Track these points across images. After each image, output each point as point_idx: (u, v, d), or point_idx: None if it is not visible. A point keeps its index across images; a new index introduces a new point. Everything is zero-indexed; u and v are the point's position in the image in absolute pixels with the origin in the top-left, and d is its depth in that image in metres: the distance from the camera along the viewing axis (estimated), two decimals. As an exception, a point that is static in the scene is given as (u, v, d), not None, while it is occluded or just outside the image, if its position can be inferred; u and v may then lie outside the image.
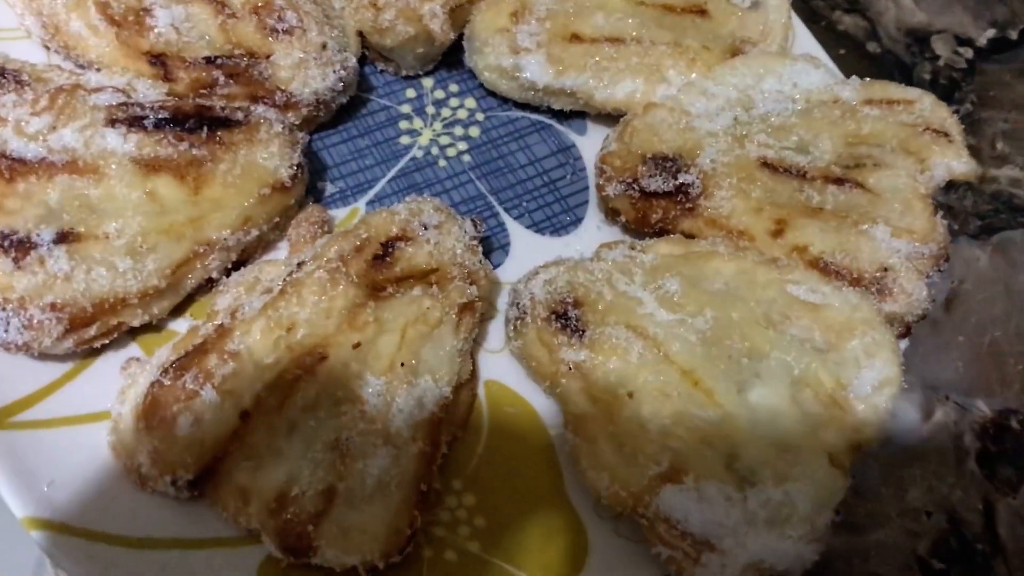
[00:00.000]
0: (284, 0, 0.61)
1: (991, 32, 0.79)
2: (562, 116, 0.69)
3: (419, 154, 0.67)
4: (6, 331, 0.51)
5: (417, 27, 0.65)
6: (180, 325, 0.58)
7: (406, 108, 0.68)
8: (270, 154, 0.58)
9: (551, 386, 0.55)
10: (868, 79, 0.64)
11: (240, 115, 0.58)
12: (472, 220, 0.60)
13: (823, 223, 0.58)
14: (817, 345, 0.54)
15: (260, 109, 0.59)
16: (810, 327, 0.54)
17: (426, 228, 0.57)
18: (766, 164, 0.60)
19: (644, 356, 0.53)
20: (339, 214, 0.64)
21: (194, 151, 0.56)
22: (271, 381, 0.51)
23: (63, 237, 0.53)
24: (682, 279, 0.56)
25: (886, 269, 0.57)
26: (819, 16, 0.78)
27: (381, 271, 0.55)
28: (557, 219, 0.65)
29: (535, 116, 0.69)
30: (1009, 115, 0.74)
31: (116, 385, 0.54)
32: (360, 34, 0.67)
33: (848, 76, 0.68)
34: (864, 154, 0.60)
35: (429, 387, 0.53)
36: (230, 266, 0.58)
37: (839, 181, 0.59)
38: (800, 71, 0.64)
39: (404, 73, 0.69)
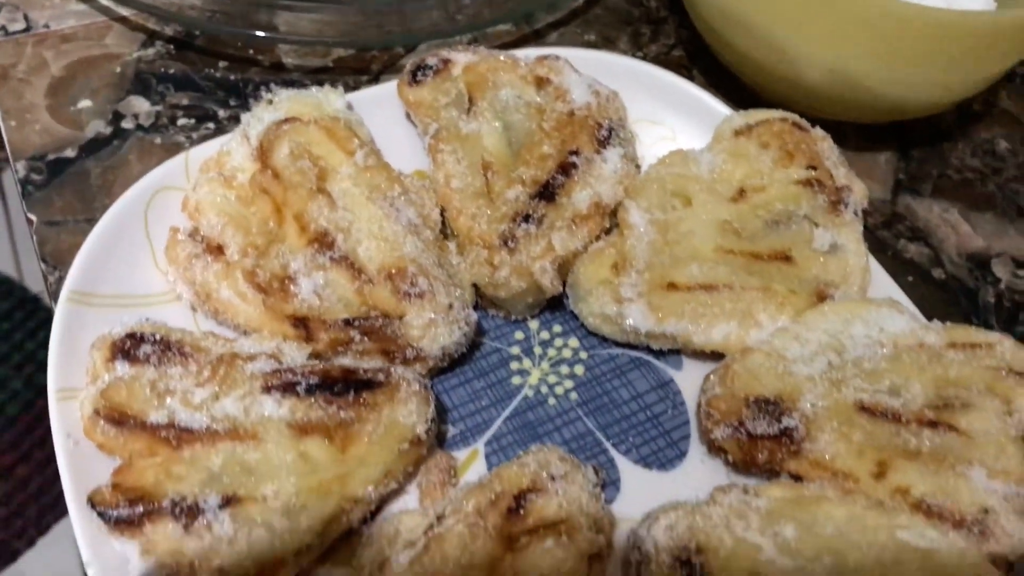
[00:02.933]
0: (415, 267, 0.68)
1: (1046, 255, 0.85)
2: (659, 352, 0.74)
3: (530, 393, 0.72)
4: (179, 598, 0.55)
5: (528, 281, 0.71)
6: (322, 574, 0.62)
7: (516, 349, 0.74)
8: (408, 412, 0.63)
9: (680, 633, 0.59)
10: (949, 323, 0.69)
11: (381, 376, 0.64)
12: (593, 468, 0.65)
13: (922, 466, 0.62)
14: (931, 592, 0.57)
15: (398, 369, 0.65)
16: (922, 572, 0.58)
17: (554, 479, 0.62)
18: (863, 408, 0.65)
19: (770, 605, 0.56)
20: (461, 455, 0.68)
21: (342, 413, 0.62)
22: (422, 640, 0.55)
23: (227, 501, 0.58)
24: (797, 524, 0.60)
25: (986, 511, 0.60)
26: (886, 245, 0.84)
27: (515, 523, 0.59)
28: (663, 453, 0.70)
29: (634, 353, 0.75)
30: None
31: (269, 639, 0.58)
32: (474, 286, 0.73)
33: (918, 303, 0.74)
34: (953, 396, 0.65)
35: (568, 641, 0.57)
36: (369, 516, 0.63)
37: (933, 424, 0.64)
38: (885, 316, 0.69)
39: (513, 318, 0.75)
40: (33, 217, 0.76)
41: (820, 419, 0.65)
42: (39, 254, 0.75)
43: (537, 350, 0.74)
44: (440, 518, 0.60)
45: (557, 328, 0.76)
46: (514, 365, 0.74)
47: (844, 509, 0.61)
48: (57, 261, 0.74)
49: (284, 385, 0.62)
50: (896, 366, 0.67)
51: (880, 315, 0.70)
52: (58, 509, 2.00)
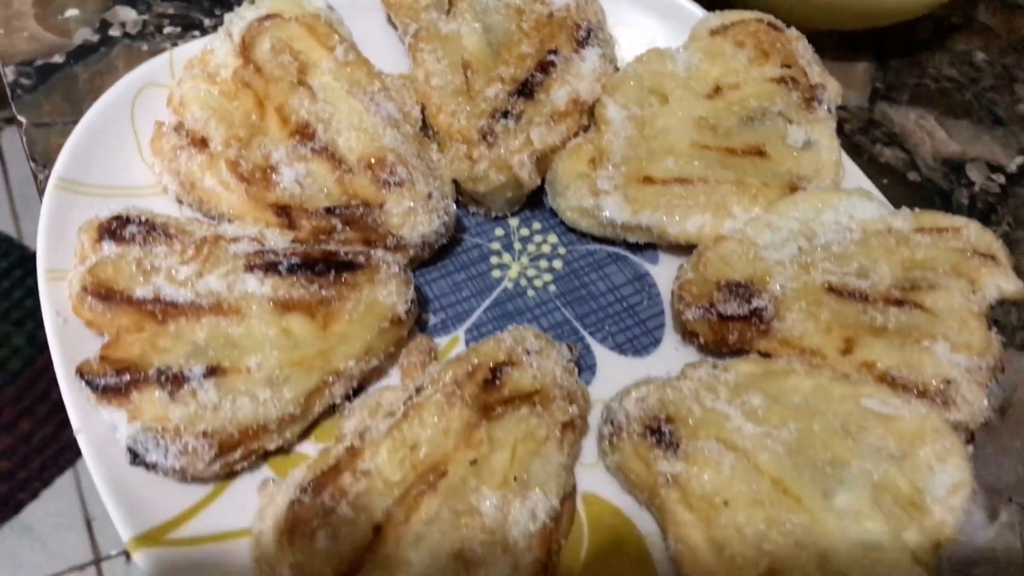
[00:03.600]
0: (395, 156, 0.69)
1: (1020, 159, 0.86)
2: (636, 248, 0.76)
3: (510, 285, 0.74)
4: (165, 457, 0.57)
5: (507, 175, 0.73)
6: (307, 448, 0.64)
7: (496, 245, 0.76)
8: (388, 292, 0.65)
9: (650, 496, 0.61)
10: (917, 209, 0.71)
11: (362, 258, 0.65)
12: (567, 345, 0.66)
13: (888, 341, 0.64)
14: (892, 453, 0.59)
15: (379, 252, 0.66)
16: (884, 436, 0.60)
17: (529, 353, 0.64)
18: (831, 289, 0.66)
19: (736, 467, 0.58)
20: (442, 342, 0.70)
21: (323, 292, 0.63)
22: (399, 497, 0.57)
23: (211, 371, 0.59)
24: (764, 395, 0.62)
25: (949, 382, 0.62)
26: (862, 150, 0.86)
27: (491, 393, 0.61)
28: (638, 341, 0.72)
29: (611, 248, 0.76)
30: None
31: (253, 504, 0.60)
32: (455, 182, 0.74)
33: (893, 203, 0.75)
34: (919, 277, 0.67)
35: (540, 499, 0.59)
36: (351, 393, 0.65)
37: (899, 302, 0.65)
38: (855, 203, 0.71)
39: (493, 214, 0.77)
40: (23, 119, 0.78)
41: (789, 300, 0.67)
42: (28, 154, 0.76)
43: (517, 245, 0.76)
44: (419, 390, 0.62)
45: (536, 225, 0.77)
46: (494, 260, 0.75)
47: (810, 381, 0.63)
48: (46, 160, 0.76)
49: (266, 264, 0.64)
50: (864, 250, 0.68)
51: (850, 203, 0.71)
52: (61, 462, 2.02)
